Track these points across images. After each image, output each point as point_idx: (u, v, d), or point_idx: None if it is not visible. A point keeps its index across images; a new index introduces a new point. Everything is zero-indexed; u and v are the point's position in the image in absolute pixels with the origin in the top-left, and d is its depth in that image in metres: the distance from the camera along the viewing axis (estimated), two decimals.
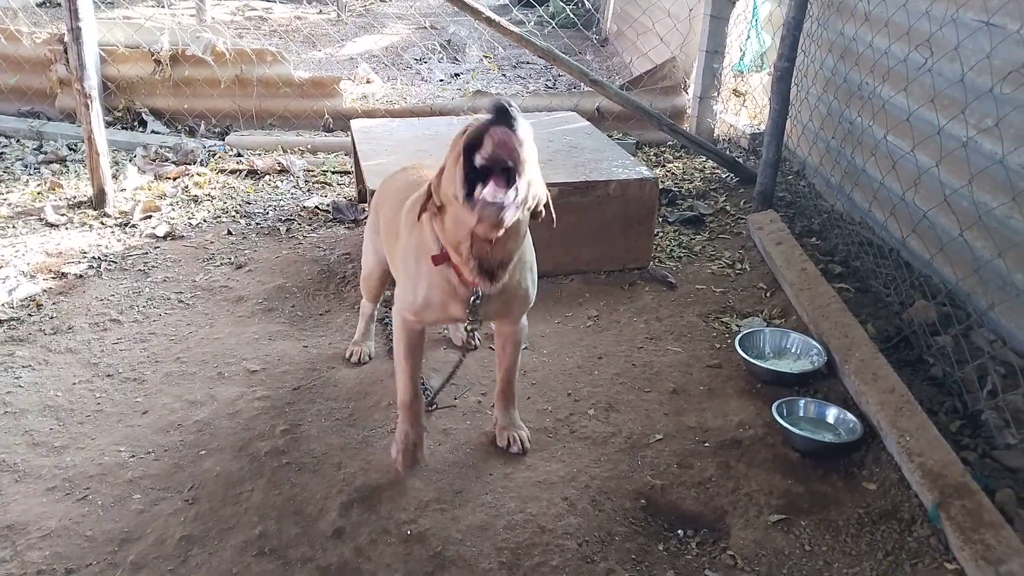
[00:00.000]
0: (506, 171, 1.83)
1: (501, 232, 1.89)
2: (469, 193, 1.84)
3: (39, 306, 3.35)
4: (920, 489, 2.29)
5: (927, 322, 3.03)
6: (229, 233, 4.12)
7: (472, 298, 2.11)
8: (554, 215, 2.15)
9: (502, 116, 1.80)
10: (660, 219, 4.26)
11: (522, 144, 1.82)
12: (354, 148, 4.11)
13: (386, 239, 2.58)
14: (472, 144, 1.85)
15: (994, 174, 2.91)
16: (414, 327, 2.32)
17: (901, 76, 3.52)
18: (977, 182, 2.97)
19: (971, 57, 3.02)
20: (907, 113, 3.41)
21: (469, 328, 2.23)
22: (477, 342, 3.03)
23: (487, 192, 1.81)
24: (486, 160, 1.82)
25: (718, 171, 5.09)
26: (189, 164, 5.07)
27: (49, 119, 5.76)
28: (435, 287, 2.15)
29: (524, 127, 1.83)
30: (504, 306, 2.23)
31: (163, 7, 9.48)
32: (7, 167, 4.99)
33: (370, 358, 3.02)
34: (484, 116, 1.83)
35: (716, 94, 5.58)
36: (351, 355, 3.01)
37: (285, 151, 5.39)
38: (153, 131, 5.64)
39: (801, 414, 2.68)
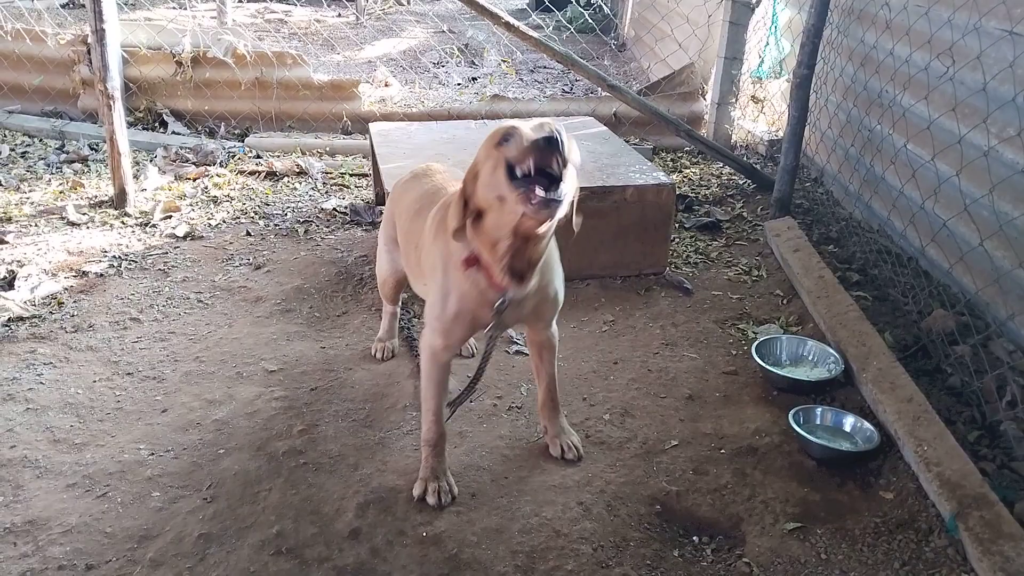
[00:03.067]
0: (547, 174, 1.84)
1: (551, 224, 1.91)
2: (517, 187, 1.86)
3: (60, 304, 3.39)
4: (938, 499, 2.27)
5: (946, 331, 3.02)
6: (248, 234, 4.15)
7: (499, 302, 2.09)
8: (575, 223, 2.15)
9: (549, 145, 1.81)
10: (677, 225, 4.26)
11: (568, 153, 1.84)
12: (372, 151, 4.14)
13: (405, 252, 2.58)
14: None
15: (1016, 184, 2.89)
16: (441, 358, 2.27)
17: (922, 84, 3.50)
18: (998, 192, 2.95)
19: (994, 66, 3.01)
20: (928, 122, 3.40)
21: (489, 333, 2.19)
22: (516, 337, 3.00)
23: (541, 192, 1.81)
24: (530, 170, 1.83)
25: (735, 177, 5.08)
26: (209, 165, 5.12)
27: (71, 119, 5.83)
28: (465, 295, 2.13)
29: (571, 146, 1.86)
30: (535, 310, 2.22)
31: (185, 9, 9.57)
32: (30, 166, 5.06)
33: (393, 354, 3.06)
34: (532, 137, 1.82)
35: (734, 100, 5.57)
36: (375, 351, 3.06)
37: (304, 153, 5.43)
38: (174, 132, 5.70)
39: (818, 422, 2.68)
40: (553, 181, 1.83)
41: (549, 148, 1.80)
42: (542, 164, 1.82)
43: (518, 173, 1.85)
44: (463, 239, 2.05)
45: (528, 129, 1.87)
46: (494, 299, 2.10)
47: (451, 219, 2.05)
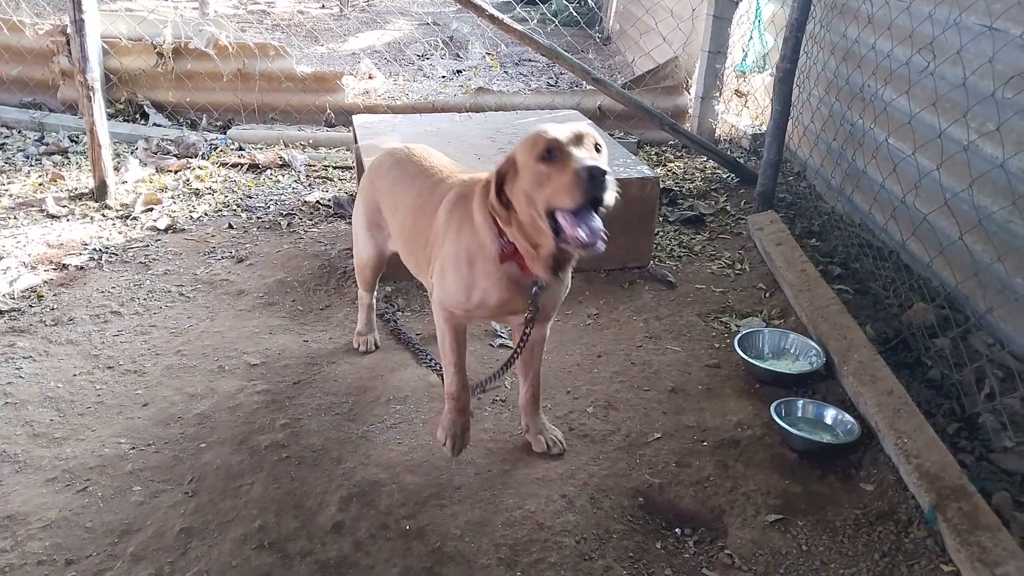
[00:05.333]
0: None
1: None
2: (556, 229, 1.92)
3: (40, 297, 3.35)
4: (917, 491, 2.30)
5: (926, 324, 3.04)
6: (230, 227, 4.12)
7: (533, 287, 2.14)
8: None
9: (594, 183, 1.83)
10: (660, 218, 4.27)
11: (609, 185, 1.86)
12: (356, 143, 4.11)
13: (410, 249, 2.53)
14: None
15: (995, 178, 2.91)
16: (460, 321, 2.31)
17: (903, 79, 3.52)
18: (978, 186, 2.98)
19: (973, 61, 3.03)
20: (909, 116, 3.42)
21: (529, 318, 2.21)
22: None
23: (583, 235, 1.86)
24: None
25: (719, 171, 5.09)
26: (191, 157, 5.08)
27: (51, 110, 5.76)
28: (494, 286, 2.15)
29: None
30: (553, 298, 2.25)
31: (166, 0, 9.47)
32: (9, 158, 4.99)
33: (376, 347, 3.05)
34: (577, 169, 1.84)
35: (718, 94, 5.59)
36: (358, 345, 3.04)
37: (287, 145, 5.39)
38: (155, 124, 5.64)
39: (799, 415, 2.69)
40: (596, 205, 1.86)
41: (595, 185, 1.82)
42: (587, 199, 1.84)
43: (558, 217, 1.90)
44: (488, 228, 2.10)
45: (568, 143, 1.89)
46: (527, 286, 2.14)
47: (478, 211, 2.13)
